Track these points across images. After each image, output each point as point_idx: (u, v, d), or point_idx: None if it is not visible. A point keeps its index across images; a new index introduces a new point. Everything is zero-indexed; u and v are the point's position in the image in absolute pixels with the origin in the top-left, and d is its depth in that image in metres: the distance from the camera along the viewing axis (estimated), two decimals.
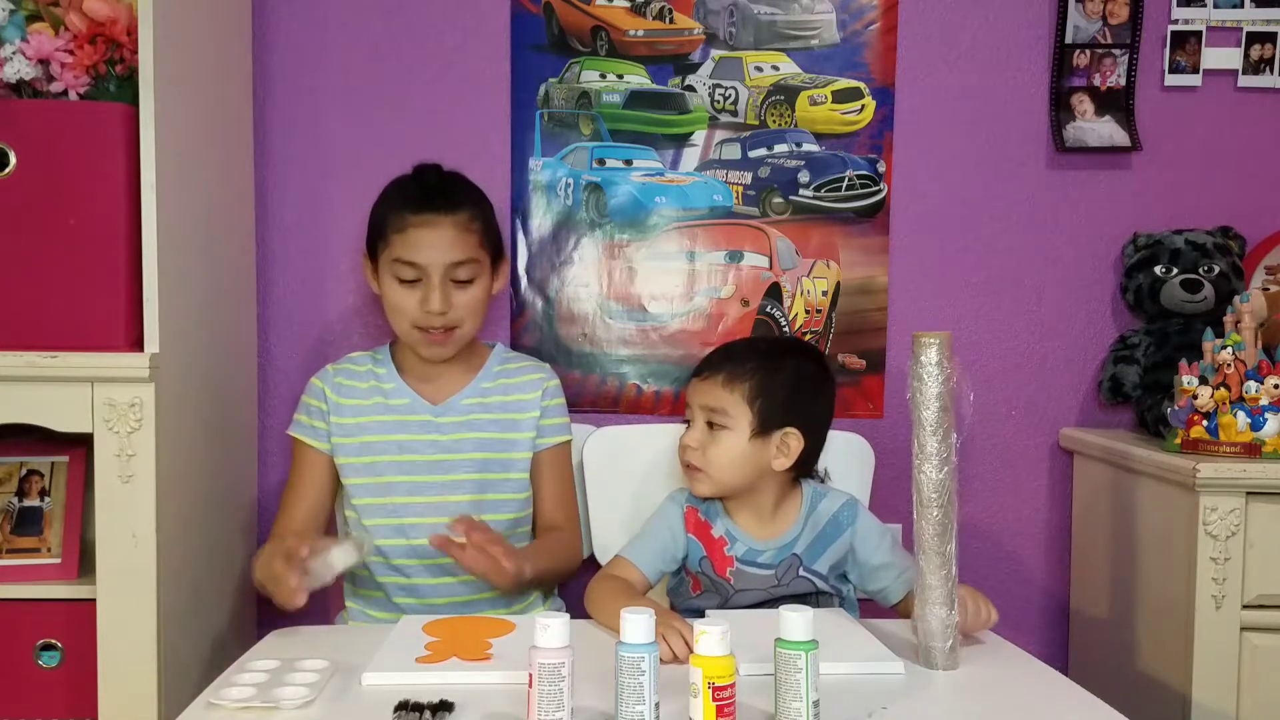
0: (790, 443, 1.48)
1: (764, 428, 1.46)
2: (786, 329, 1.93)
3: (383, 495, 1.60)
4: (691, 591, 1.52)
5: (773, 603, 1.44)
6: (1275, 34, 1.92)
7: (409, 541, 1.59)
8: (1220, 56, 1.93)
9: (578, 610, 1.45)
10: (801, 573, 1.48)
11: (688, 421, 1.52)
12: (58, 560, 1.51)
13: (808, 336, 1.93)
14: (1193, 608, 1.53)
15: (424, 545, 1.56)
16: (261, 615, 1.90)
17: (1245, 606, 1.53)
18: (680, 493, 1.55)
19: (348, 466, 1.61)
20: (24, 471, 1.57)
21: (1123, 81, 1.92)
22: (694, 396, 1.51)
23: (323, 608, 1.81)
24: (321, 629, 1.49)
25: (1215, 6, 1.92)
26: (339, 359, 1.70)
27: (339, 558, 1.26)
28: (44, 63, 1.44)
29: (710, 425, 1.48)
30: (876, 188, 1.93)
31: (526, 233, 1.92)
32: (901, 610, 1.46)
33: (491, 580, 1.44)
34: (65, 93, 1.46)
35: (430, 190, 1.59)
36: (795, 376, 1.50)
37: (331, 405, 1.62)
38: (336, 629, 1.63)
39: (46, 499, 1.55)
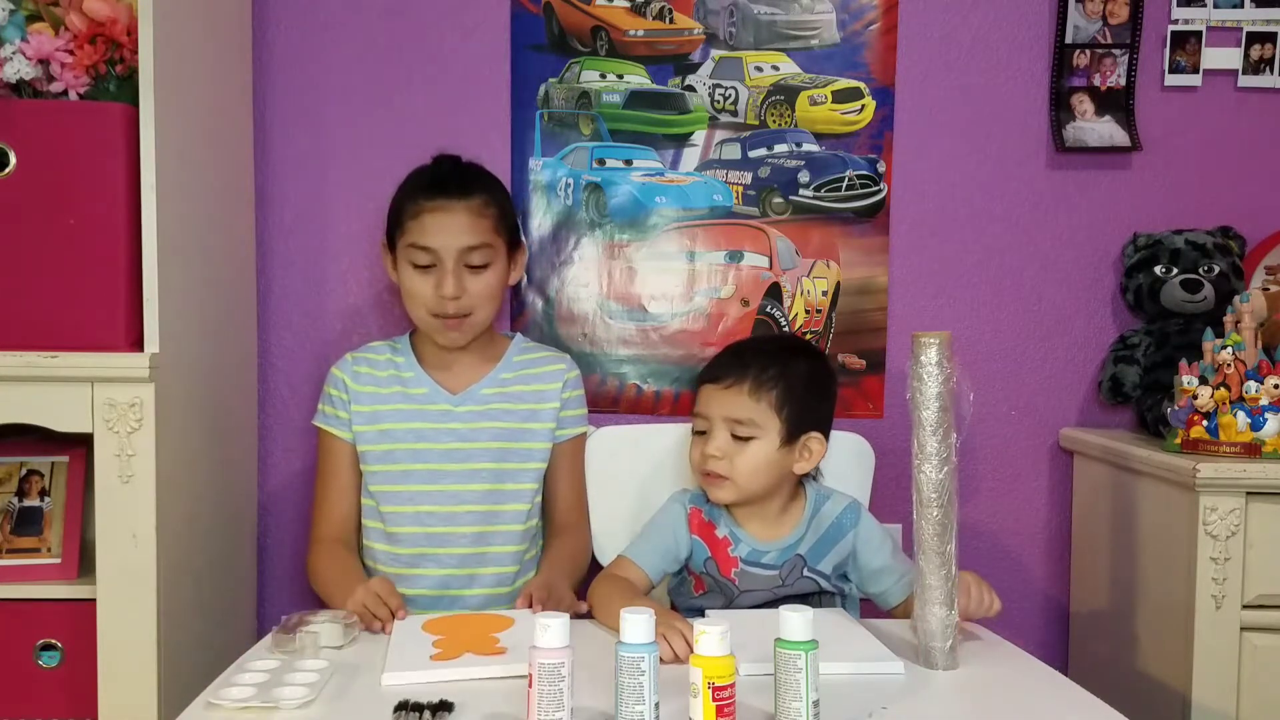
0: (813, 446, 1.49)
1: (791, 435, 1.47)
2: (786, 329, 1.93)
3: (400, 483, 1.62)
4: (694, 592, 1.52)
5: (777, 603, 1.44)
6: (1275, 34, 1.92)
7: (425, 530, 1.61)
8: (1220, 56, 1.93)
9: None
10: (806, 573, 1.48)
11: (701, 431, 1.50)
12: (58, 560, 1.51)
13: (808, 336, 1.93)
14: (1193, 608, 1.53)
15: (438, 533, 1.60)
16: (261, 615, 1.90)
17: (1245, 606, 1.53)
18: (684, 493, 1.55)
19: (368, 454, 1.63)
20: (24, 471, 1.57)
21: (1123, 81, 1.92)
22: (714, 406, 1.48)
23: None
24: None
25: (1215, 6, 1.92)
26: (359, 348, 1.71)
27: (328, 637, 1.27)
28: (44, 63, 1.44)
29: (734, 434, 1.47)
30: (876, 188, 1.93)
31: (526, 233, 1.92)
32: (899, 614, 1.46)
33: None
34: (65, 93, 1.46)
35: (444, 176, 1.61)
36: (811, 379, 1.51)
37: (351, 394, 1.64)
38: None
39: (46, 499, 1.55)
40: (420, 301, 1.59)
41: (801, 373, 1.49)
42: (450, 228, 1.57)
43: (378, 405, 1.64)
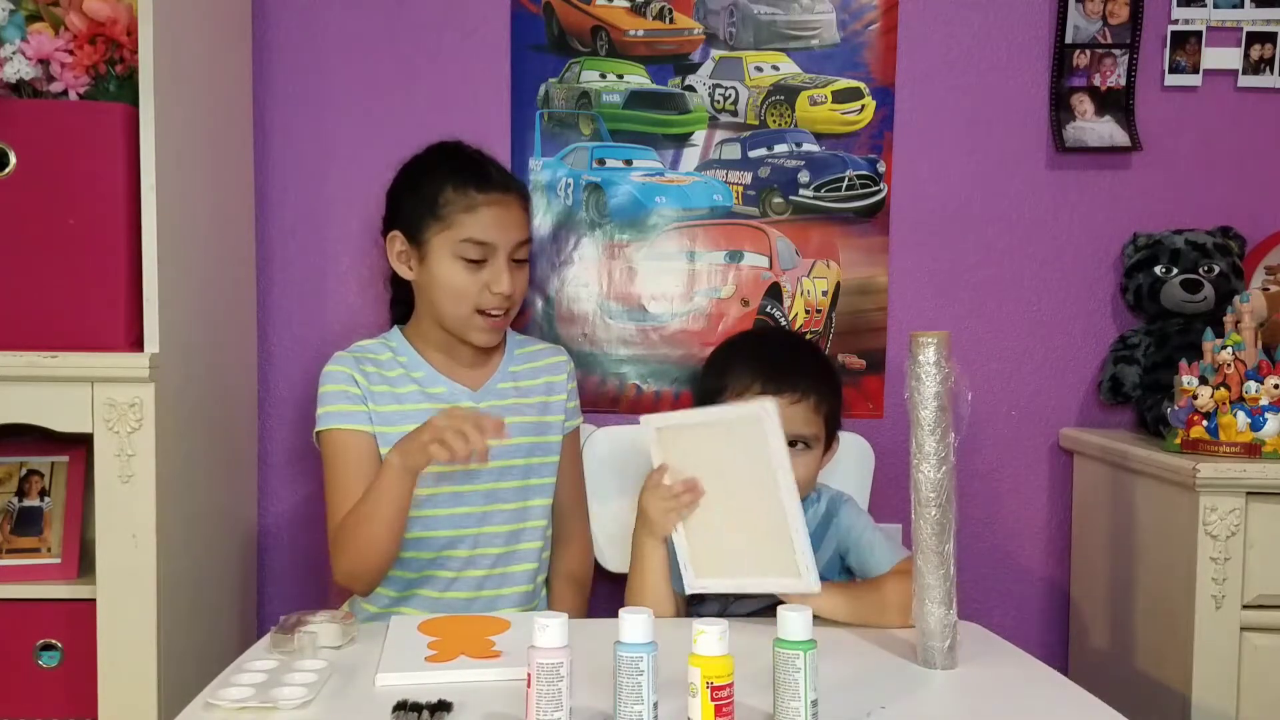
0: (833, 449, 1.52)
1: (829, 441, 1.50)
2: (787, 329, 1.93)
3: (435, 485, 1.52)
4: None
5: (772, 609, 1.44)
6: (1275, 34, 1.92)
7: (459, 532, 1.54)
8: (1220, 56, 1.93)
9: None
10: None
11: None
12: (58, 560, 1.51)
13: (808, 337, 1.93)
14: (1193, 608, 1.53)
15: (471, 535, 1.55)
16: (261, 615, 1.90)
17: (1245, 606, 1.53)
18: None
19: None
20: (24, 471, 1.57)
21: (1123, 81, 1.92)
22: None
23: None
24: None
25: (1215, 6, 1.92)
26: (348, 346, 1.60)
27: (326, 637, 1.26)
28: (44, 63, 1.45)
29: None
30: (876, 188, 1.93)
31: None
32: None
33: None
34: (65, 93, 1.46)
35: (487, 168, 1.59)
36: (839, 385, 1.55)
37: (365, 392, 1.54)
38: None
39: (46, 499, 1.55)
40: (466, 298, 1.52)
41: (838, 381, 1.54)
42: (507, 222, 1.54)
43: (397, 405, 1.54)
